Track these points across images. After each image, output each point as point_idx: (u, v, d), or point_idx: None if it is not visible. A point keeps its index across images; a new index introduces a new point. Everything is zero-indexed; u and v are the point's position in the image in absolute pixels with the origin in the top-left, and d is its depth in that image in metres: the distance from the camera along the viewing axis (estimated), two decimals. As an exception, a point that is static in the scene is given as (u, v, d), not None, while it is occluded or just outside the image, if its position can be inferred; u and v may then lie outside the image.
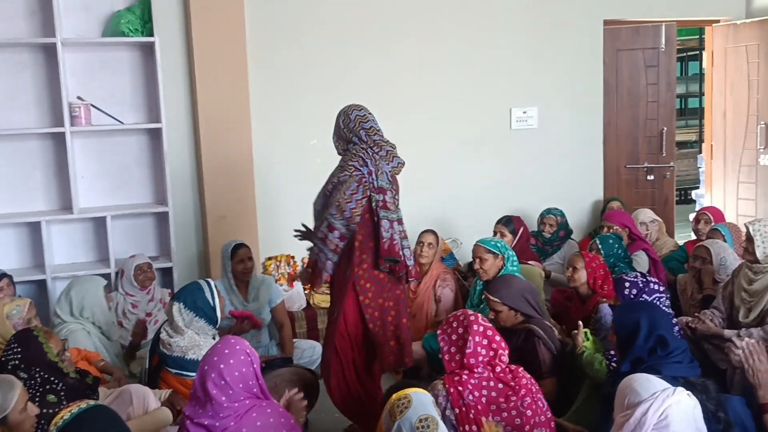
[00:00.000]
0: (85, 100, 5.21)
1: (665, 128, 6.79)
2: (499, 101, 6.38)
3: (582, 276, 4.42)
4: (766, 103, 6.61)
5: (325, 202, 3.79)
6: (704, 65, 7.87)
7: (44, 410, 2.94)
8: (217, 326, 3.72)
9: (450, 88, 6.18)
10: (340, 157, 3.90)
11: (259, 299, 4.86)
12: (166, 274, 5.47)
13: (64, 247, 5.42)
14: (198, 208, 5.68)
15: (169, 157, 5.32)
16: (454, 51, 6.18)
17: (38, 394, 3.02)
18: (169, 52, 5.39)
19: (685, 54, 13.71)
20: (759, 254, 3.84)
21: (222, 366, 2.70)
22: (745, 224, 4.02)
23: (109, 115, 5.32)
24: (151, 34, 5.18)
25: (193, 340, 3.59)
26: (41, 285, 5.20)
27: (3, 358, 3.17)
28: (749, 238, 3.90)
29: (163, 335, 3.64)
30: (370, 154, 3.72)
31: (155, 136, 5.42)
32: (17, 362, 3.10)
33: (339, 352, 3.78)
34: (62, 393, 3.08)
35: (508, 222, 5.48)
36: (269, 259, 5.84)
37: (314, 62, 5.84)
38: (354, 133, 3.79)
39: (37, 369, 3.05)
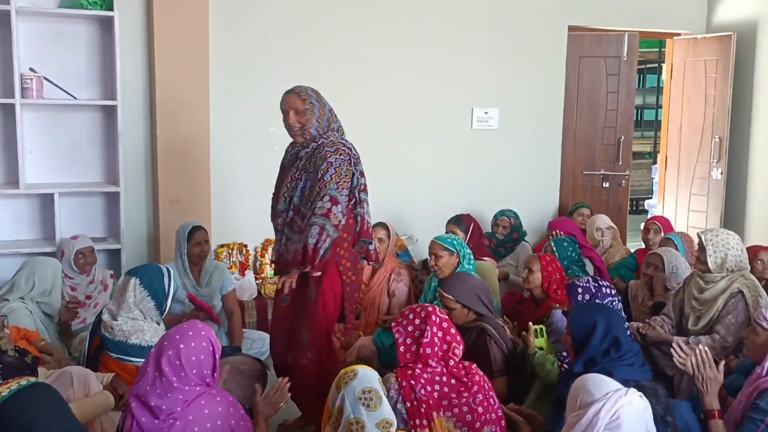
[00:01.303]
0: (37, 73, 5.04)
1: (623, 137, 6.87)
2: (462, 101, 6.38)
3: (537, 278, 4.42)
4: (721, 118, 6.74)
5: (311, 184, 3.68)
6: (663, 78, 7.99)
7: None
8: (163, 315, 3.62)
9: (413, 86, 6.16)
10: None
11: (212, 285, 4.76)
12: (114, 255, 5.32)
13: (8, 223, 5.24)
14: (150, 190, 5.54)
15: (122, 136, 5.17)
16: (418, 49, 6.15)
17: None
18: (129, 28, 5.25)
19: (643, 66, 13.93)
20: (711, 264, 3.89)
21: (181, 346, 2.60)
22: (698, 234, 4.07)
23: (63, 90, 5.15)
24: (111, 9, 5.03)
25: (137, 324, 3.47)
26: (-19, 261, 5.02)
27: None
28: (702, 248, 3.94)
29: (105, 317, 3.51)
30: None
31: (109, 113, 5.27)
32: None
33: (321, 331, 3.77)
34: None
35: (459, 221, 5.46)
36: (221, 246, 5.74)
37: (277, 49, 5.76)
38: (335, 118, 3.84)
39: None
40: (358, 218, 3.82)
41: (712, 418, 2.94)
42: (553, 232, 5.42)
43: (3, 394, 2.11)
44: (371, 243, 3.92)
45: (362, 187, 3.81)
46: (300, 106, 3.75)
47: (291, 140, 3.90)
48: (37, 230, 5.30)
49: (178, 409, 2.57)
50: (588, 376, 2.43)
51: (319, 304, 3.76)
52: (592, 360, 3.04)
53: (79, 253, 4.75)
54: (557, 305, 4.25)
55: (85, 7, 5.00)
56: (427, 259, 6.09)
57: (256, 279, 5.66)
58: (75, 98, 5.18)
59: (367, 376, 2.61)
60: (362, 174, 3.81)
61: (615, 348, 3.02)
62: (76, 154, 5.33)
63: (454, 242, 4.52)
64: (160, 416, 2.55)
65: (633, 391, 2.31)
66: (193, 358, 2.61)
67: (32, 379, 2.24)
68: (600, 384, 2.35)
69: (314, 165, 3.70)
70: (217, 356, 2.69)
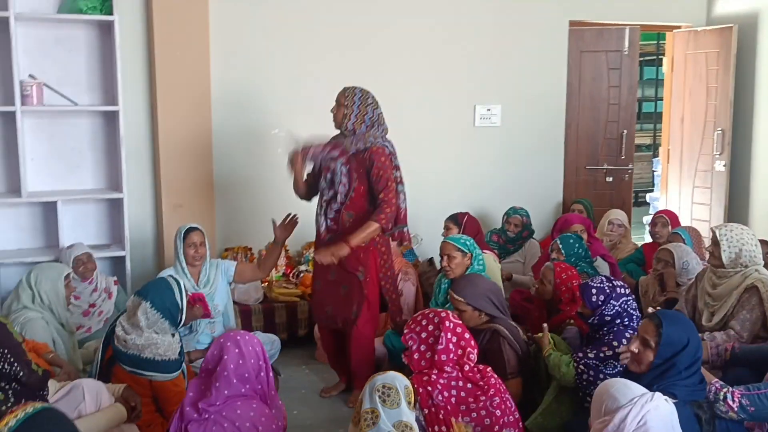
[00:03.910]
0: (37, 79, 4.98)
1: (625, 131, 6.85)
2: (463, 98, 6.34)
3: (549, 292, 4.40)
4: (723, 110, 6.71)
5: (373, 180, 4.25)
6: (662, 69, 7.96)
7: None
8: (179, 326, 3.58)
9: (415, 84, 6.12)
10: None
11: (211, 283, 4.67)
12: (119, 262, 5.27)
13: (11, 231, 5.18)
14: (153, 195, 5.49)
15: (124, 141, 5.12)
16: (418, 46, 6.11)
17: None
18: (128, 32, 5.20)
19: (642, 58, 13.91)
20: (725, 259, 3.86)
21: (232, 366, 2.91)
22: (711, 229, 4.04)
23: (63, 96, 5.11)
24: (110, 13, 4.97)
25: (151, 338, 3.42)
26: (-15, 271, 4.97)
27: None
28: (715, 243, 3.91)
29: (119, 331, 3.46)
30: None
31: (111, 119, 5.22)
32: None
33: (369, 306, 4.35)
34: (11, 391, 2.86)
35: (453, 217, 5.44)
36: (226, 250, 5.69)
37: (278, 51, 5.71)
38: (379, 115, 4.35)
39: (6, 354, 2.81)
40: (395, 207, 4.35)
41: None
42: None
43: (10, 424, 2.05)
44: (406, 227, 4.47)
45: (399, 179, 4.37)
46: (342, 101, 4.31)
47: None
48: (41, 239, 5.25)
49: (218, 403, 2.85)
50: (612, 381, 2.41)
51: (367, 281, 4.31)
52: (661, 375, 2.87)
53: (78, 260, 4.65)
54: (571, 322, 4.20)
55: (84, 11, 4.94)
56: (432, 258, 6.08)
57: (262, 282, 5.62)
58: (76, 104, 5.13)
59: (393, 376, 2.71)
60: (398, 168, 4.38)
61: (688, 369, 2.87)
62: (77, 160, 5.27)
63: (467, 242, 4.49)
64: (200, 410, 2.85)
65: (659, 395, 2.29)
66: (246, 375, 2.91)
67: (38, 405, 2.16)
68: (624, 389, 2.33)
69: (364, 166, 4.27)
70: (264, 362, 2.99)
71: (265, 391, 3.00)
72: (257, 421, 2.86)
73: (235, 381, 2.89)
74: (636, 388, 2.34)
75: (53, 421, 2.17)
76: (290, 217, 4.63)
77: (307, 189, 4.52)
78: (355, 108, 4.28)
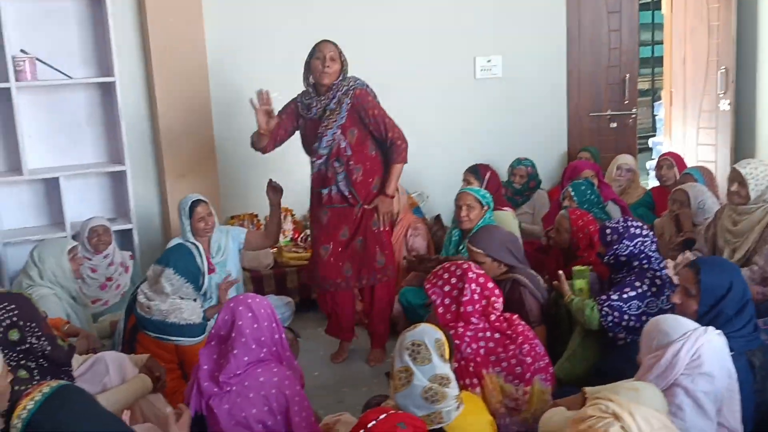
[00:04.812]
0: (29, 54, 4.85)
1: (628, 75, 6.74)
2: (463, 50, 6.22)
3: (565, 240, 4.35)
4: (726, 48, 6.60)
5: (371, 122, 4.24)
6: (663, 11, 7.83)
7: (16, 387, 2.68)
8: (202, 290, 3.53)
9: (414, 37, 5.99)
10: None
11: (222, 251, 4.63)
12: (126, 236, 5.19)
13: (15, 210, 5.09)
14: (155, 166, 5.41)
15: (123, 113, 5.01)
16: (415, -1, 5.98)
17: (21, 363, 2.73)
18: (119, 0, 5.06)
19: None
20: (753, 196, 3.80)
21: (248, 331, 2.75)
22: (734, 167, 3.97)
23: (56, 69, 4.98)
24: (99, -19, 4.84)
25: (175, 304, 3.38)
26: (-9, 252, 4.89)
27: None
28: (741, 182, 3.84)
29: (141, 298, 3.42)
30: None
31: (107, 90, 5.10)
32: (13, 320, 2.72)
33: (392, 252, 4.43)
34: (37, 369, 2.79)
35: (475, 170, 5.31)
36: (232, 218, 5.63)
37: (274, 8, 5.58)
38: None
39: (33, 327, 2.75)
40: None
41: None
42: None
43: (29, 407, 1.97)
44: None
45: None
46: (335, 53, 4.13)
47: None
48: (45, 216, 5.17)
49: (239, 372, 2.70)
50: (662, 317, 2.37)
51: (382, 231, 4.30)
52: (712, 325, 2.64)
53: (93, 231, 4.65)
54: (590, 267, 4.15)
55: (71, -19, 4.81)
56: (439, 215, 6.04)
57: (272, 248, 5.56)
58: (70, 78, 5.01)
59: (424, 330, 2.61)
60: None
61: (743, 314, 2.77)
62: (76, 135, 5.17)
63: (486, 195, 4.45)
64: (220, 383, 2.69)
65: (711, 329, 2.25)
66: (263, 338, 2.77)
67: (53, 384, 2.08)
68: (676, 324, 2.29)
69: (358, 112, 4.17)
70: (276, 324, 2.84)
71: (281, 353, 2.89)
72: (281, 386, 2.74)
73: (254, 346, 2.76)
74: (688, 323, 2.30)
75: (73, 398, 2.08)
76: (271, 183, 4.58)
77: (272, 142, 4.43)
78: (344, 59, 4.20)
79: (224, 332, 2.80)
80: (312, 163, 4.36)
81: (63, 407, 2.03)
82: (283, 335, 2.89)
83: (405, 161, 4.32)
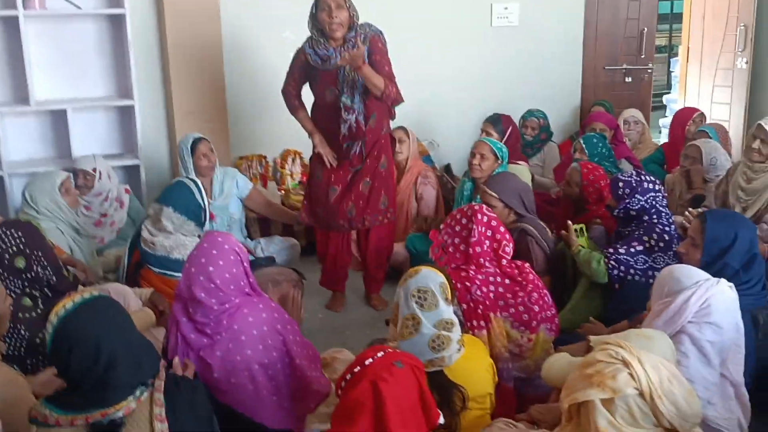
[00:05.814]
0: (37, -19, 4.77)
1: (645, 28, 6.62)
2: (480, -4, 6.10)
3: (575, 192, 4.31)
4: (746, 5, 6.47)
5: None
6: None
7: (20, 314, 2.69)
8: (204, 227, 3.51)
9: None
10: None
11: (224, 192, 4.63)
12: (133, 171, 5.17)
13: (21, 141, 5.05)
14: (164, 102, 5.35)
15: (133, 46, 4.94)
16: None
17: (25, 290, 2.75)
18: (130, -70, 4.95)
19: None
20: None
21: (211, 269, 2.48)
22: (759, 123, 3.90)
23: (66, -1, 4.90)
24: None
25: (178, 239, 3.38)
26: (-3, 182, 4.88)
27: None
28: (764, 138, 3.79)
29: (145, 234, 3.41)
30: None
31: (117, 23, 5.02)
32: (20, 247, 2.72)
33: (395, 194, 4.38)
34: (41, 299, 2.79)
35: (497, 121, 5.24)
36: (240, 158, 5.59)
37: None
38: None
39: (39, 256, 2.75)
40: None
41: None
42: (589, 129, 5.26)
43: (67, 306, 1.99)
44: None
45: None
46: (343, 3, 3.85)
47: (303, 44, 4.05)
48: (51, 148, 5.14)
49: (224, 322, 2.51)
50: (675, 266, 2.36)
51: (391, 171, 4.29)
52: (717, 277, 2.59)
53: (79, 171, 4.57)
54: (598, 220, 4.13)
55: None
56: (449, 164, 5.99)
57: (279, 190, 5.54)
58: (79, 8, 4.92)
59: (426, 275, 2.58)
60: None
61: (750, 267, 2.74)
62: (85, 67, 5.10)
63: (503, 149, 4.41)
64: (207, 333, 2.50)
65: (723, 281, 2.24)
66: (227, 275, 2.51)
67: (95, 292, 2.11)
68: (689, 273, 2.28)
69: (370, 56, 3.92)
70: (245, 264, 2.58)
71: (254, 284, 2.64)
72: (271, 319, 2.57)
73: (212, 286, 2.49)
74: (702, 273, 2.29)
75: (108, 308, 2.08)
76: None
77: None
78: (352, 6, 3.92)
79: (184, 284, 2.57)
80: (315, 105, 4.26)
81: (100, 312, 2.03)
82: (252, 277, 2.65)
83: (388, 88, 3.94)
